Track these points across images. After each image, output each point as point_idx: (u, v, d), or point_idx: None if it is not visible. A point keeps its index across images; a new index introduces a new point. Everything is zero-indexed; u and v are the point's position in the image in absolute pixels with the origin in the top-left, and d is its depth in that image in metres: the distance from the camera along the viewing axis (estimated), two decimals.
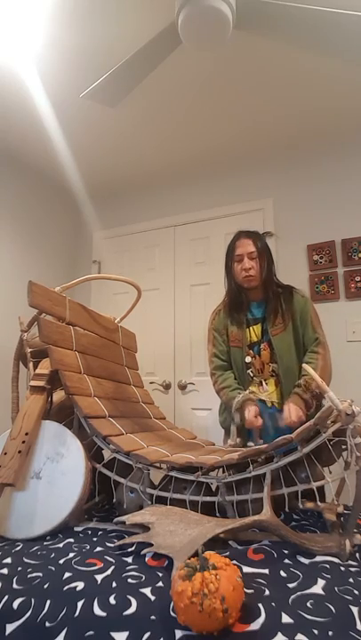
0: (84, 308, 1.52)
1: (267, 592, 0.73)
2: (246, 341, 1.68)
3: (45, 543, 0.99)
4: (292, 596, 0.71)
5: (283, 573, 0.79)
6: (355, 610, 0.67)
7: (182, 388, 2.77)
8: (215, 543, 0.91)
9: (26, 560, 0.90)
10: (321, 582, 0.75)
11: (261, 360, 1.65)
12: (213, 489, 1.12)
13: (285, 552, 0.88)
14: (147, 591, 0.75)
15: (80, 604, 0.72)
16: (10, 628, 0.70)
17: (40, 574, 0.82)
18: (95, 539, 1.01)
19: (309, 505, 1.02)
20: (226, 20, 1.35)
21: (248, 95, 2.26)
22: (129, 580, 0.79)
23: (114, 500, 1.20)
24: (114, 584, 0.77)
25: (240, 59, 2.00)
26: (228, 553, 0.88)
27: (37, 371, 1.31)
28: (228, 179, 2.94)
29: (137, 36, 1.77)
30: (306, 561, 0.84)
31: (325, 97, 2.28)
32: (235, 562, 0.82)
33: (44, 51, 1.93)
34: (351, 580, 0.77)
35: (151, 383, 2.80)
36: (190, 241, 2.98)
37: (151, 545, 0.89)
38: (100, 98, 1.77)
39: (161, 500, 1.09)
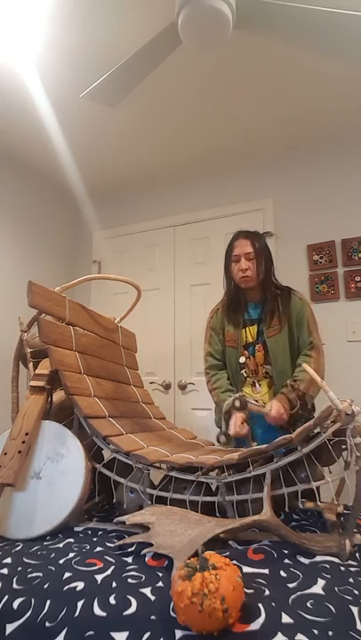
0: (84, 308, 1.52)
1: (267, 592, 0.73)
2: (242, 342, 1.68)
3: (45, 543, 0.99)
4: (292, 596, 0.71)
5: (283, 573, 0.79)
6: (355, 610, 0.67)
7: (182, 387, 2.77)
8: (215, 543, 0.91)
9: (26, 560, 0.89)
10: (321, 582, 0.75)
11: (255, 361, 1.65)
12: (213, 489, 1.12)
13: (285, 552, 0.88)
14: (147, 591, 0.75)
15: (80, 604, 0.72)
16: (10, 627, 0.69)
17: (40, 574, 0.82)
18: (95, 539, 1.01)
19: (309, 505, 1.02)
20: (226, 20, 1.35)
21: (248, 95, 2.26)
22: (129, 580, 0.79)
23: (114, 500, 1.20)
24: (114, 584, 0.77)
25: (240, 59, 2.00)
26: (228, 553, 0.88)
27: (37, 371, 1.31)
28: (228, 179, 2.94)
29: (137, 36, 1.77)
30: (306, 561, 0.84)
31: (325, 97, 2.28)
32: (235, 562, 0.82)
33: (44, 51, 1.93)
34: (351, 580, 0.77)
35: (151, 383, 2.80)
36: (190, 241, 2.98)
37: (151, 545, 0.89)
38: (100, 98, 1.77)
39: (161, 500, 1.09)
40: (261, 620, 0.65)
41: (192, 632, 0.64)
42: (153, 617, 0.68)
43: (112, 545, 0.96)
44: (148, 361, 2.82)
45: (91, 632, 0.66)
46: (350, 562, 0.84)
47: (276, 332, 1.63)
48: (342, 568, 0.81)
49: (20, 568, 0.86)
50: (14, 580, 0.81)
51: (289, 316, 1.64)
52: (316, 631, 0.62)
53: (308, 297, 2.58)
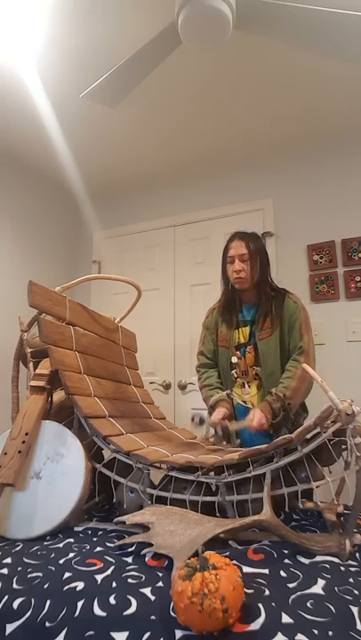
0: (84, 308, 1.52)
1: (267, 592, 0.73)
2: (234, 342, 1.69)
3: (45, 543, 0.99)
4: (292, 596, 0.71)
5: (283, 573, 0.79)
6: (355, 610, 0.67)
7: (182, 388, 2.77)
8: (215, 543, 0.91)
9: (26, 560, 0.89)
10: (321, 582, 0.75)
11: (246, 362, 1.66)
12: (213, 489, 1.12)
13: (285, 552, 0.88)
14: (147, 591, 0.75)
15: (80, 604, 0.72)
16: (10, 627, 0.69)
17: (40, 574, 0.82)
18: (95, 539, 1.01)
19: (309, 505, 1.02)
20: (226, 20, 1.35)
21: (248, 95, 2.26)
22: (129, 580, 0.79)
23: (114, 500, 1.20)
24: (114, 584, 0.77)
25: (240, 59, 2.00)
26: (228, 553, 0.88)
27: (37, 371, 1.31)
28: (228, 179, 2.94)
29: (137, 36, 1.77)
30: (306, 561, 0.84)
31: (325, 97, 2.28)
32: (235, 562, 0.82)
33: (44, 51, 1.93)
34: (351, 580, 0.77)
35: (151, 383, 2.80)
36: (190, 241, 2.98)
37: (151, 545, 0.89)
38: (100, 98, 1.77)
39: (161, 500, 1.09)
40: (261, 619, 0.65)
41: (192, 632, 0.64)
42: (153, 617, 0.68)
43: (112, 545, 0.96)
44: (148, 361, 2.82)
45: (91, 632, 0.66)
46: (350, 562, 0.84)
47: (268, 334, 1.63)
48: (342, 568, 0.81)
49: (20, 568, 0.86)
50: (14, 580, 0.81)
51: (281, 320, 1.63)
52: (316, 631, 0.62)
53: (308, 297, 2.58)
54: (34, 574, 0.82)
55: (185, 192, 3.07)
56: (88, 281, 1.64)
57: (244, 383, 1.66)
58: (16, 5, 1.69)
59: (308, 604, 0.69)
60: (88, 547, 0.95)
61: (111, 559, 0.88)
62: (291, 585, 0.75)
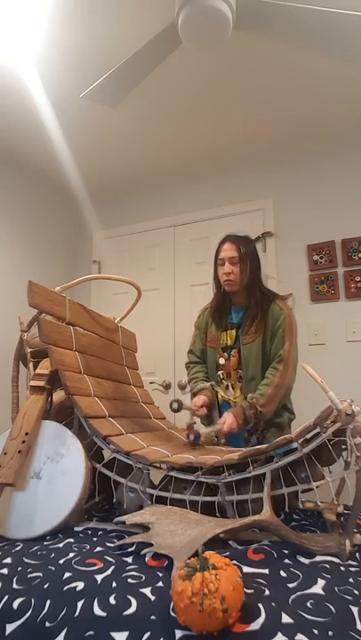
0: (84, 308, 1.52)
1: (267, 592, 0.73)
2: (221, 344, 1.72)
3: (45, 543, 0.99)
4: (292, 596, 0.71)
5: (283, 573, 0.79)
6: (355, 610, 0.67)
7: (182, 387, 2.76)
8: (215, 543, 0.91)
9: (26, 560, 0.89)
10: (321, 582, 0.75)
11: (230, 365, 1.68)
12: (213, 489, 1.12)
13: (285, 552, 0.88)
14: (147, 591, 0.75)
15: (80, 604, 0.72)
16: (10, 628, 0.69)
17: (40, 574, 0.82)
18: (95, 539, 1.01)
19: (309, 505, 1.02)
20: (226, 20, 1.35)
21: (248, 95, 2.26)
22: (129, 580, 0.79)
23: (114, 500, 1.20)
24: (114, 584, 0.77)
25: (240, 59, 2.00)
26: (228, 553, 0.88)
27: (37, 371, 1.31)
28: (228, 179, 2.94)
29: (137, 36, 1.77)
30: (306, 561, 0.84)
31: (325, 97, 2.28)
32: (235, 562, 0.82)
33: (44, 51, 1.93)
34: (351, 579, 0.77)
35: (151, 383, 2.80)
36: (190, 241, 2.98)
37: (151, 545, 0.89)
38: (100, 98, 1.77)
39: (161, 500, 1.09)
40: (261, 619, 0.65)
41: (192, 632, 0.64)
42: (153, 617, 0.68)
43: (112, 545, 0.96)
44: (148, 361, 2.82)
45: (91, 632, 0.66)
46: (350, 562, 0.84)
47: (252, 339, 1.64)
48: (342, 568, 0.81)
49: (20, 568, 0.86)
50: (14, 580, 0.81)
51: (265, 325, 1.63)
52: (316, 631, 0.62)
53: (308, 297, 2.58)
54: (34, 574, 0.82)
55: (185, 192, 3.07)
56: (88, 281, 1.64)
57: (228, 385, 1.68)
58: (16, 5, 1.69)
59: (308, 604, 0.69)
60: (88, 547, 0.95)
61: (111, 559, 0.88)
62: (291, 585, 0.75)
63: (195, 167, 2.97)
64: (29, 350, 1.44)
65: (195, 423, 1.42)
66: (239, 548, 0.92)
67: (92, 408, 1.24)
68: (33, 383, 1.28)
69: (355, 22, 1.41)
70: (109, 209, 3.34)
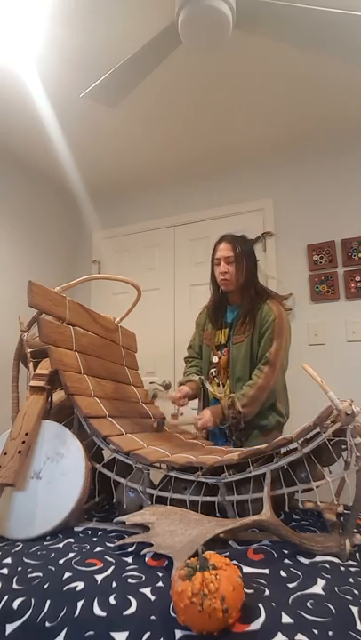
0: (84, 308, 1.52)
1: (267, 592, 0.73)
2: (215, 342, 1.73)
3: (45, 543, 0.99)
4: (292, 596, 0.71)
5: (283, 573, 0.79)
6: (355, 610, 0.67)
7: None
8: (215, 543, 0.91)
9: (26, 560, 0.89)
10: (321, 582, 0.75)
11: (221, 363, 1.69)
12: (213, 489, 1.12)
13: (285, 552, 0.88)
14: (147, 591, 0.75)
15: (80, 604, 0.72)
16: (10, 628, 0.69)
17: (40, 574, 0.82)
18: (95, 539, 1.01)
19: (309, 505, 1.02)
20: (226, 20, 1.35)
21: (248, 95, 2.26)
22: (129, 580, 0.79)
23: (114, 500, 1.20)
24: (114, 584, 0.77)
25: (240, 59, 2.00)
26: (228, 553, 0.88)
27: (37, 371, 1.31)
28: (228, 179, 2.94)
29: (137, 36, 1.77)
30: (306, 561, 0.84)
31: (325, 97, 2.28)
32: (235, 562, 0.82)
33: (44, 51, 1.93)
34: (351, 579, 0.77)
35: (151, 383, 2.79)
36: (190, 241, 2.98)
37: (151, 545, 0.88)
38: (100, 98, 1.78)
39: (161, 500, 1.09)
40: (261, 619, 0.65)
41: (192, 632, 0.64)
42: (153, 617, 0.68)
43: (112, 545, 0.96)
44: (148, 361, 2.81)
45: (91, 632, 0.66)
46: (350, 562, 0.84)
47: (241, 339, 1.65)
48: (342, 568, 0.81)
49: (20, 568, 0.86)
50: (14, 580, 0.81)
51: (254, 326, 1.63)
52: (316, 631, 0.62)
53: (308, 297, 2.58)
54: (34, 574, 0.82)
55: (185, 192, 3.07)
56: (88, 281, 1.64)
57: (219, 383, 1.69)
58: (16, 5, 1.69)
59: (308, 604, 0.69)
60: (88, 547, 0.95)
61: (111, 559, 0.88)
62: (291, 585, 0.75)
63: (195, 167, 2.97)
64: (29, 350, 1.44)
65: (182, 414, 1.43)
66: (239, 547, 0.92)
67: (92, 408, 1.24)
68: (33, 383, 1.28)
69: (355, 23, 1.41)
70: (109, 209, 3.34)
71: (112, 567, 0.84)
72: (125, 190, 3.27)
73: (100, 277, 1.74)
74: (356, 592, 0.72)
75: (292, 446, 1.01)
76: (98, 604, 0.71)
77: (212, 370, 1.72)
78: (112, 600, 0.72)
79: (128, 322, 1.81)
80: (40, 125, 2.46)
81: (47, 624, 0.69)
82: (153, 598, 0.73)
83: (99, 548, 0.94)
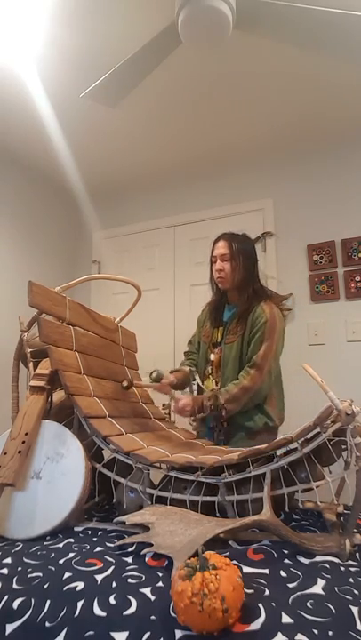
0: (84, 308, 1.52)
1: (267, 592, 0.73)
2: (212, 340, 1.74)
3: (45, 543, 0.99)
4: (292, 596, 0.71)
5: (283, 573, 0.79)
6: (355, 610, 0.67)
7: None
8: (215, 543, 0.91)
9: (26, 560, 0.89)
10: (321, 582, 0.75)
11: (215, 361, 1.70)
12: (213, 489, 1.12)
13: (285, 552, 0.88)
14: (147, 591, 0.75)
15: (80, 604, 0.72)
16: (10, 628, 0.69)
17: (40, 574, 0.82)
18: (95, 539, 1.01)
19: (309, 505, 1.02)
20: (226, 20, 1.35)
21: (248, 95, 2.26)
22: (129, 580, 0.79)
23: (114, 500, 1.20)
24: (114, 584, 0.77)
25: (240, 59, 2.00)
26: (228, 553, 0.88)
27: (37, 371, 1.31)
28: (228, 179, 2.94)
29: (137, 36, 1.77)
30: (306, 561, 0.84)
31: (325, 97, 2.28)
32: (235, 562, 0.82)
33: (44, 51, 1.93)
34: (351, 579, 0.77)
35: (164, 406, 2.78)
36: (190, 241, 2.98)
37: (151, 545, 0.88)
38: (100, 98, 1.78)
39: (161, 500, 1.09)
40: (261, 619, 0.65)
41: (192, 632, 0.64)
42: (153, 617, 0.68)
43: (112, 545, 0.96)
44: (148, 361, 2.81)
45: (91, 632, 0.66)
46: (350, 562, 0.84)
47: (233, 339, 1.64)
48: (342, 568, 0.81)
49: (20, 568, 0.86)
50: (14, 580, 0.81)
51: (246, 327, 1.62)
52: (316, 631, 0.62)
53: (308, 297, 2.58)
54: (34, 574, 0.82)
55: (185, 192, 3.07)
56: (88, 281, 1.64)
57: (213, 380, 1.70)
58: (16, 5, 1.69)
59: (308, 604, 0.69)
60: (88, 547, 0.95)
61: (111, 559, 0.88)
62: (291, 585, 0.75)
63: (195, 167, 2.97)
64: (29, 350, 1.44)
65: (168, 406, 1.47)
66: (239, 547, 0.92)
67: (92, 408, 1.24)
68: (33, 383, 1.28)
69: (355, 23, 1.41)
70: (109, 209, 3.34)
71: (112, 567, 0.84)
72: (125, 190, 3.27)
73: (100, 277, 1.74)
74: (356, 592, 0.72)
75: (292, 446, 1.01)
76: (98, 604, 0.71)
77: (208, 367, 1.72)
78: (112, 600, 0.72)
79: (128, 322, 1.81)
80: (40, 125, 2.45)
81: (47, 624, 0.69)
82: (153, 598, 0.73)
83: (99, 548, 0.94)
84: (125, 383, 1.44)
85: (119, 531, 1.06)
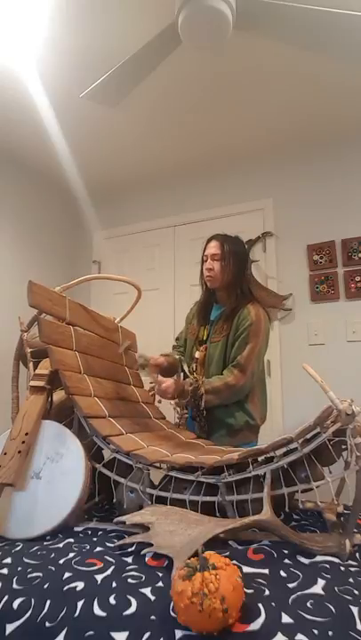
0: (84, 308, 1.52)
1: (267, 592, 0.73)
2: (198, 337, 1.75)
3: (45, 543, 0.99)
4: (292, 596, 0.71)
5: (283, 573, 0.79)
6: (355, 610, 0.67)
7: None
8: (215, 543, 0.91)
9: (26, 560, 0.89)
10: (321, 582, 0.75)
11: (199, 359, 1.70)
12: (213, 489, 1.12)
13: (285, 552, 0.88)
14: (147, 591, 0.75)
15: (80, 603, 0.72)
16: (10, 628, 0.69)
17: (40, 574, 0.82)
18: (95, 539, 1.01)
19: (309, 505, 1.02)
20: (226, 20, 1.35)
21: (248, 95, 2.26)
22: (129, 580, 0.79)
23: (114, 500, 1.20)
24: (114, 584, 0.77)
25: (240, 59, 2.00)
26: (228, 553, 0.88)
27: (37, 371, 1.31)
28: (228, 179, 2.94)
29: (137, 36, 1.77)
30: (306, 561, 0.84)
31: (325, 97, 2.28)
32: (235, 562, 0.82)
33: (44, 51, 1.93)
34: (351, 579, 0.77)
35: (151, 383, 2.79)
36: (190, 241, 2.98)
37: (151, 545, 0.88)
38: (100, 98, 1.78)
39: (161, 500, 1.09)
40: (261, 620, 0.65)
41: (192, 632, 0.64)
42: (153, 617, 0.68)
43: (112, 545, 0.96)
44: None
45: (91, 632, 0.66)
46: (350, 562, 0.84)
47: (218, 339, 1.65)
48: (342, 568, 0.81)
49: (19, 568, 0.86)
50: (14, 580, 0.81)
51: (231, 327, 1.63)
52: (316, 631, 0.62)
53: (308, 297, 2.58)
54: (34, 574, 0.82)
55: (185, 192, 3.07)
56: (88, 281, 1.64)
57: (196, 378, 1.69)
58: (16, 5, 1.69)
59: (308, 604, 0.69)
60: (88, 547, 0.95)
61: (111, 559, 0.88)
62: (291, 585, 0.75)
63: (195, 167, 2.97)
64: (29, 350, 1.43)
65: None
66: (239, 547, 0.92)
67: (92, 408, 1.24)
68: (33, 383, 1.28)
69: (355, 22, 1.41)
70: (109, 209, 3.34)
71: (112, 567, 0.84)
72: (125, 190, 3.27)
73: (100, 277, 1.74)
74: (356, 592, 0.72)
75: (292, 446, 1.01)
76: (98, 604, 0.71)
77: (193, 364, 1.73)
78: (112, 600, 0.72)
79: (128, 322, 1.82)
80: (40, 125, 2.46)
81: (47, 624, 0.69)
82: (153, 598, 0.73)
83: (99, 548, 0.94)
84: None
85: (119, 531, 1.06)
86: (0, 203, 2.71)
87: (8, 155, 2.76)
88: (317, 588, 0.74)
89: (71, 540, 1.00)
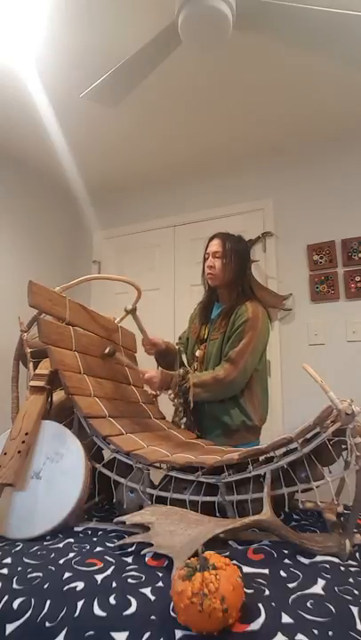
0: (84, 308, 1.52)
1: (267, 592, 0.73)
2: (199, 336, 1.76)
3: (45, 543, 0.99)
4: (292, 596, 0.71)
5: (283, 573, 0.79)
6: (355, 610, 0.67)
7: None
8: (215, 543, 0.91)
9: (26, 560, 0.89)
10: (321, 582, 0.75)
11: (200, 357, 1.71)
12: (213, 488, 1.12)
13: (285, 552, 0.88)
14: (147, 591, 0.75)
15: (80, 603, 0.72)
16: (10, 628, 0.69)
17: (40, 574, 0.82)
18: (95, 539, 1.01)
19: (309, 505, 1.02)
20: (226, 20, 1.35)
21: (248, 95, 2.26)
22: (129, 580, 0.79)
23: (114, 500, 1.20)
24: (114, 584, 0.77)
25: (240, 59, 2.00)
26: (228, 553, 0.88)
27: (37, 371, 1.31)
28: (228, 179, 2.94)
29: (137, 36, 1.77)
30: (306, 561, 0.84)
31: (325, 97, 2.28)
32: (235, 562, 0.82)
33: (44, 51, 1.93)
34: (351, 579, 0.77)
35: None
36: (190, 241, 2.98)
37: (151, 545, 0.89)
38: (100, 98, 1.78)
39: (161, 500, 1.09)
40: (261, 619, 0.65)
41: (192, 632, 0.64)
42: (153, 617, 0.68)
43: (112, 545, 0.96)
44: (148, 361, 2.81)
45: (91, 632, 0.66)
46: (350, 562, 0.84)
47: (216, 336, 1.66)
48: (342, 568, 0.81)
49: (19, 568, 0.86)
50: (14, 580, 0.81)
51: (228, 325, 1.63)
52: (316, 631, 0.62)
53: (308, 297, 2.58)
54: (34, 574, 0.82)
55: (185, 192, 3.07)
56: (88, 281, 1.64)
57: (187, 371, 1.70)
58: (16, 5, 1.69)
59: (308, 604, 0.69)
60: (88, 547, 0.95)
61: (111, 559, 0.88)
62: (291, 585, 0.75)
63: (195, 167, 2.97)
64: (29, 350, 1.43)
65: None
66: (239, 547, 0.92)
67: (92, 408, 1.24)
68: (33, 383, 1.28)
69: (355, 22, 1.41)
70: (109, 209, 3.34)
71: (112, 567, 0.84)
72: (125, 190, 3.27)
73: (100, 277, 1.74)
74: (356, 592, 0.72)
75: (292, 446, 1.01)
76: (98, 604, 0.71)
77: (195, 363, 1.73)
78: (112, 600, 0.72)
79: (128, 322, 1.81)
80: (40, 125, 2.46)
81: (47, 624, 0.69)
82: (153, 598, 0.73)
83: (99, 548, 0.94)
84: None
85: (119, 531, 1.06)
86: (0, 203, 2.71)
87: (8, 155, 2.76)
88: (317, 588, 0.74)
89: (71, 539, 1.00)
